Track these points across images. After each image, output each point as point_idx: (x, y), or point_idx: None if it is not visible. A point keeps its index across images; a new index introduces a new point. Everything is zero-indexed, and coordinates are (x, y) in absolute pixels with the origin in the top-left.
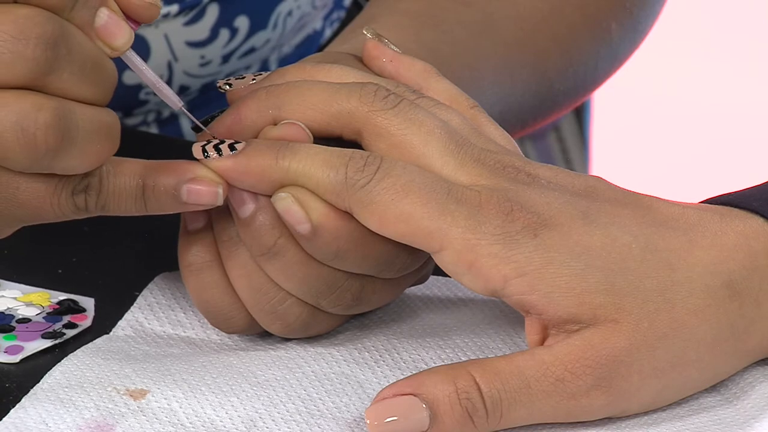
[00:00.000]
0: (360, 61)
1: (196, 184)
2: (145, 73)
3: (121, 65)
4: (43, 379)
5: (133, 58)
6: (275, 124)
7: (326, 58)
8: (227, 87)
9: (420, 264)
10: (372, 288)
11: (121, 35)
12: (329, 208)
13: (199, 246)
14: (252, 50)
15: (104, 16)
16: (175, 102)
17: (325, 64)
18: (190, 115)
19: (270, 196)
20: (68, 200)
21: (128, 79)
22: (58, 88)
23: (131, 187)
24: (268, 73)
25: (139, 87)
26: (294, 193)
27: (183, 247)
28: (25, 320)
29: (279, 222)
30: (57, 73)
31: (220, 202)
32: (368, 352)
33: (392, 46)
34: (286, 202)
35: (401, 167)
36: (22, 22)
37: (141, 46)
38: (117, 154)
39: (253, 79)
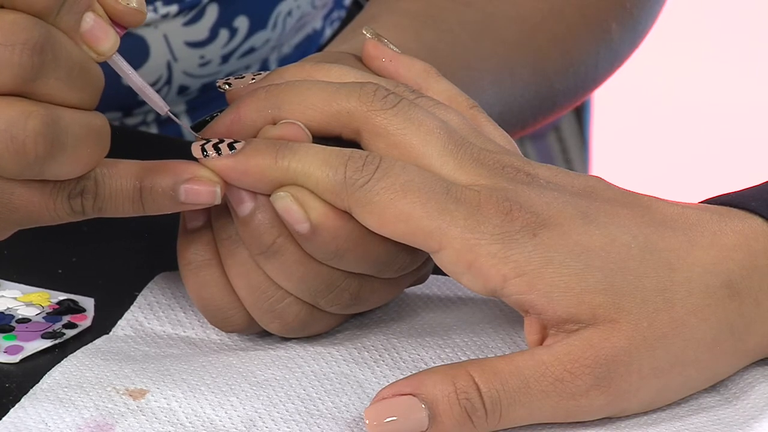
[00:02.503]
0: (360, 60)
1: (194, 183)
2: (132, 77)
3: None
4: (42, 379)
5: (120, 63)
6: (274, 124)
7: (326, 58)
8: (226, 86)
9: (419, 264)
10: (371, 287)
11: (107, 40)
12: (328, 208)
13: (198, 244)
14: (252, 50)
15: (90, 21)
16: (161, 107)
17: (324, 64)
18: (177, 120)
19: (269, 195)
20: (64, 204)
21: None
22: (45, 93)
23: (128, 189)
24: (268, 72)
25: None
26: (293, 193)
27: (182, 246)
28: (24, 320)
29: (278, 221)
30: (44, 79)
31: (217, 201)
32: (368, 352)
33: (392, 46)
34: (285, 202)
35: (400, 167)
36: (8, 28)
37: (140, 47)
38: (117, 154)
39: (253, 79)
